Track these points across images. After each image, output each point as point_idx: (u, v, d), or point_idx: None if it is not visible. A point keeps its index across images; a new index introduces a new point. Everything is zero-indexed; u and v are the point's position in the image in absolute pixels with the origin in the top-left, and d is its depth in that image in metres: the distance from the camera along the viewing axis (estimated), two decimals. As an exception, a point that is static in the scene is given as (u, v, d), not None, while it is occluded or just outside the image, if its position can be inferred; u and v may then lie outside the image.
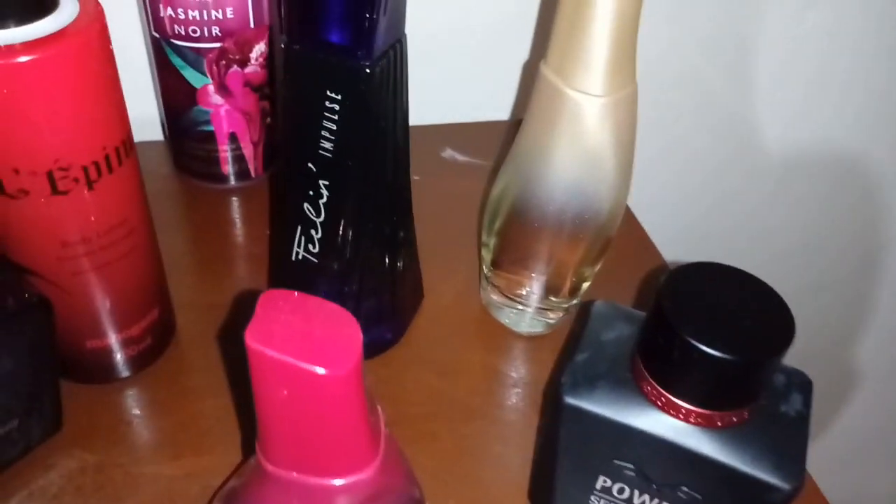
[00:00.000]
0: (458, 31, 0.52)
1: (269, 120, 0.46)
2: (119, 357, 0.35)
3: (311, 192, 0.32)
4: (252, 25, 0.41)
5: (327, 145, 0.30)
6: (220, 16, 0.40)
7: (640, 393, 0.26)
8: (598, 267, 0.37)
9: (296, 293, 0.22)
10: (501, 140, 0.53)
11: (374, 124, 0.30)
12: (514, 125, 0.55)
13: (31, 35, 0.26)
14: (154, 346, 0.36)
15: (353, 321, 0.21)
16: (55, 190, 0.28)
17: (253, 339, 0.20)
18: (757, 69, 0.60)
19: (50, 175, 0.28)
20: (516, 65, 0.56)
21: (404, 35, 0.30)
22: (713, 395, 0.25)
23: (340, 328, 0.21)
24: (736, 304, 0.25)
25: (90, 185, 0.29)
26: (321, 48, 0.28)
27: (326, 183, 0.31)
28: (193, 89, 0.42)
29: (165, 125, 0.47)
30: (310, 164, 0.31)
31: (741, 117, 0.63)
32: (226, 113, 0.43)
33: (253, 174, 0.47)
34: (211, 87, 0.42)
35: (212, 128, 0.44)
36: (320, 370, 0.19)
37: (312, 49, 0.28)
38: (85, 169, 0.28)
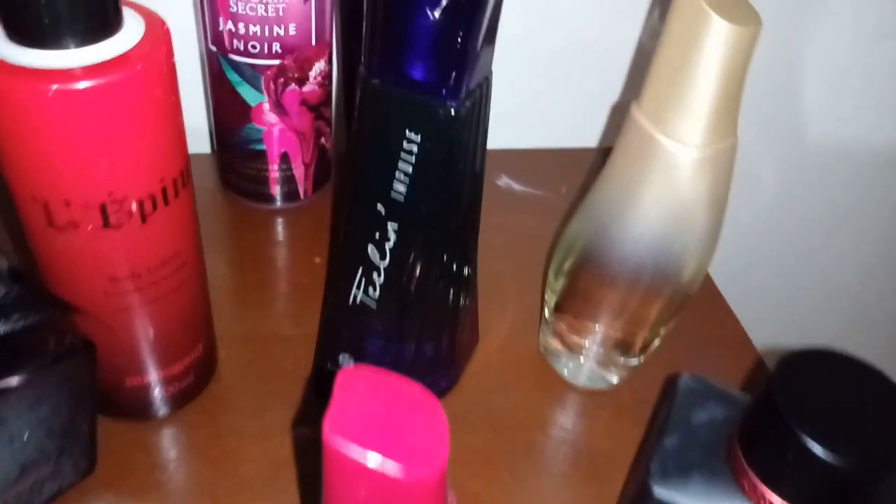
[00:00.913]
0: (518, 56, 0.50)
1: (322, 140, 0.44)
2: (159, 395, 0.32)
3: (376, 235, 0.29)
4: (314, 43, 0.39)
5: (401, 188, 0.28)
6: (281, 32, 0.37)
7: (739, 488, 0.24)
8: (670, 326, 0.35)
9: (377, 371, 0.19)
10: (560, 170, 0.50)
11: (453, 168, 0.27)
12: (573, 154, 0.52)
13: (93, 58, 0.24)
14: (196, 383, 0.34)
15: (439, 408, 0.19)
16: (107, 223, 0.26)
17: (332, 431, 0.17)
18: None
19: (103, 208, 0.26)
20: (577, 92, 0.53)
21: (491, 72, 0.27)
22: (824, 501, 0.22)
23: (427, 417, 0.19)
24: (857, 399, 0.22)
25: (144, 218, 0.27)
26: (403, 84, 0.26)
27: (395, 227, 0.29)
28: (248, 106, 0.40)
29: (214, 139, 0.45)
30: (379, 206, 0.28)
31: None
32: (279, 132, 0.41)
33: (302, 196, 0.45)
34: (266, 105, 0.40)
35: (263, 147, 0.42)
36: (407, 475, 0.17)
37: (393, 84, 0.26)
38: (140, 202, 0.26)
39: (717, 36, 0.26)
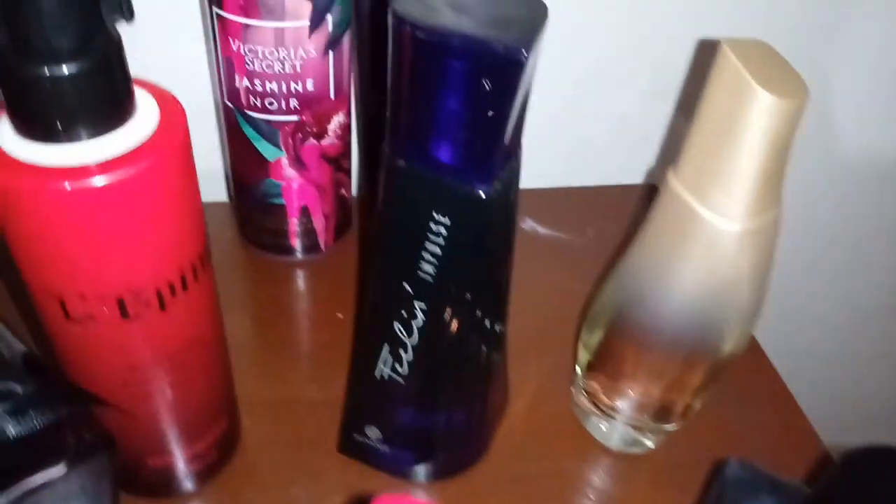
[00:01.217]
0: (542, 93, 0.48)
1: (342, 191, 0.43)
2: (181, 472, 0.31)
3: (403, 313, 0.28)
4: (332, 97, 0.38)
5: (429, 268, 0.26)
6: (299, 88, 0.36)
7: None
8: (708, 394, 0.33)
9: (408, 499, 0.18)
10: (584, 210, 0.49)
11: (484, 249, 0.26)
12: (599, 192, 0.51)
13: (107, 152, 0.22)
14: (219, 458, 0.33)
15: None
16: (125, 314, 0.25)
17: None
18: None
19: (120, 301, 0.25)
20: (600, 130, 0.52)
21: (521, 149, 0.26)
22: None
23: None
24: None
25: (163, 306, 0.26)
26: (431, 166, 0.24)
27: (423, 307, 0.27)
28: (266, 162, 0.39)
29: (231, 191, 0.44)
30: (405, 285, 0.27)
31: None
32: (299, 186, 0.40)
33: (322, 248, 0.43)
34: (285, 160, 0.39)
35: (283, 201, 0.41)
36: None
37: (420, 166, 0.25)
38: (158, 292, 0.25)
39: (763, 110, 0.24)
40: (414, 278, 0.27)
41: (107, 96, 0.23)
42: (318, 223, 0.42)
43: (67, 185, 0.22)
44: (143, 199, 0.23)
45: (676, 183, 0.28)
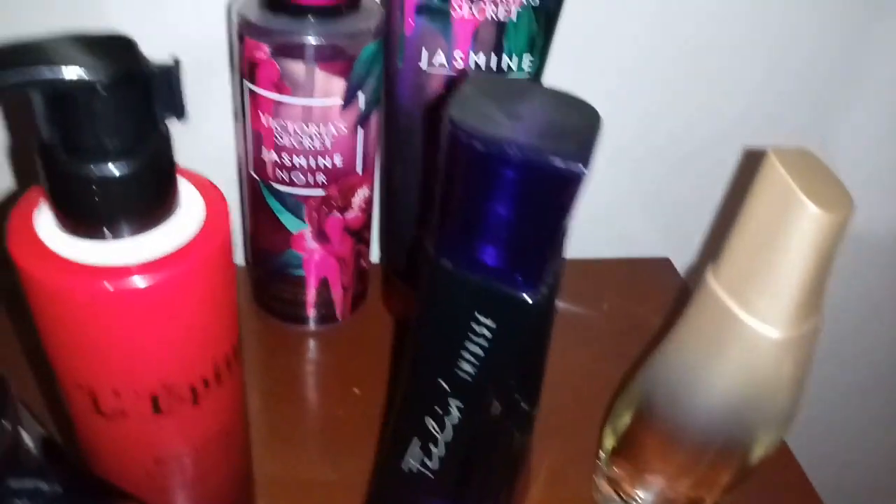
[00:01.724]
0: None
1: (361, 262, 0.42)
2: (196, 562, 0.30)
3: (437, 409, 0.27)
4: (359, 172, 0.37)
5: (468, 368, 0.26)
6: (327, 164, 0.36)
7: None
8: (734, 491, 0.33)
9: None
10: (596, 282, 0.49)
11: (527, 350, 0.26)
12: (621, 264, 0.51)
13: (151, 251, 0.22)
14: (234, 546, 0.32)
15: None
16: (157, 410, 0.24)
17: None
18: None
19: (154, 398, 0.24)
20: (607, 199, 0.52)
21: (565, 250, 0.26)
22: None
23: None
24: None
25: (196, 400, 0.25)
26: (476, 268, 0.24)
27: (459, 405, 0.27)
28: (289, 234, 0.39)
29: (248, 256, 0.44)
30: (441, 382, 0.27)
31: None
32: (320, 258, 0.40)
33: (339, 318, 0.43)
34: (308, 233, 0.38)
35: (302, 273, 0.40)
36: None
37: (465, 268, 0.24)
38: (192, 387, 0.25)
39: (811, 223, 0.24)
40: (451, 376, 0.26)
41: (154, 194, 0.22)
42: (337, 295, 0.42)
43: (108, 286, 0.21)
44: (184, 298, 0.23)
45: (716, 284, 0.28)
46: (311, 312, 0.42)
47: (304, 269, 0.40)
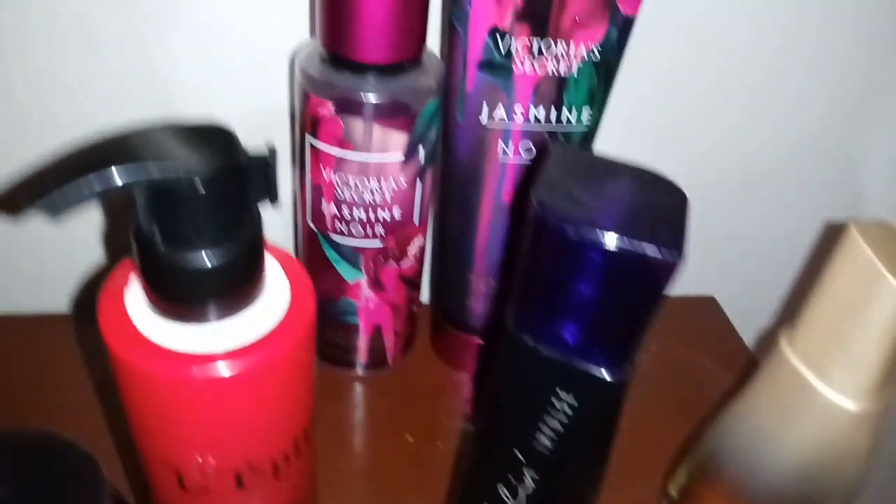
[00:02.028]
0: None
1: (413, 308, 0.42)
2: None
3: (510, 477, 0.27)
4: (416, 223, 0.38)
5: (546, 442, 0.26)
6: (386, 216, 0.36)
7: None
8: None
9: None
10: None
11: (609, 428, 0.26)
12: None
13: (237, 337, 0.22)
14: None
15: None
16: (240, 485, 0.24)
17: None
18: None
19: (238, 475, 0.24)
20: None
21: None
22: None
23: None
24: None
25: (276, 475, 0.25)
26: (558, 345, 0.24)
27: (534, 475, 0.27)
28: (344, 283, 0.39)
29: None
30: (517, 452, 0.27)
31: None
32: (374, 306, 0.40)
33: (390, 363, 0.43)
34: (364, 282, 0.39)
35: (357, 320, 0.40)
36: None
37: (549, 345, 0.24)
38: (274, 464, 0.25)
39: (891, 298, 0.24)
40: (528, 448, 0.26)
41: (243, 280, 0.22)
42: (389, 341, 0.42)
43: (196, 372, 0.21)
44: (269, 384, 0.23)
45: (791, 352, 0.28)
46: (363, 358, 0.42)
47: (359, 316, 0.40)
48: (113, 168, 0.18)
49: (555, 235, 0.22)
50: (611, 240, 0.21)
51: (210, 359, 0.22)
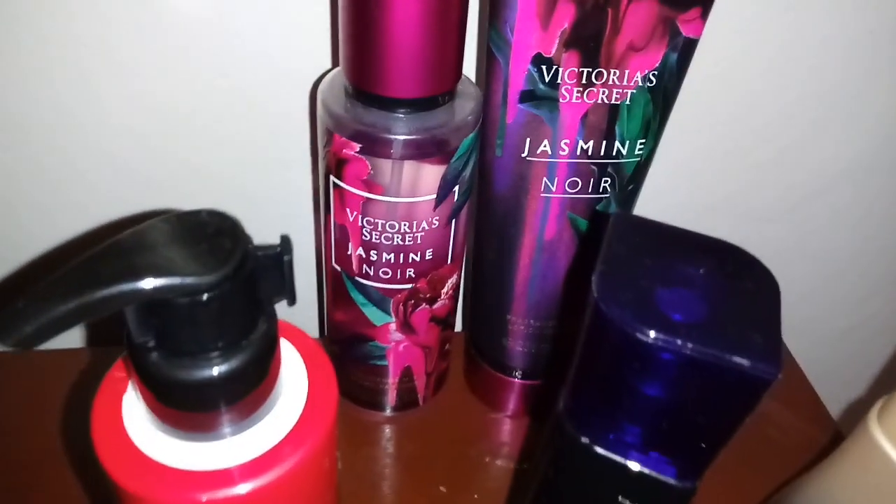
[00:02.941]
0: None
1: (446, 346, 0.39)
2: None
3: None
4: (449, 263, 0.34)
5: (604, 548, 0.23)
6: (417, 258, 0.33)
7: None
8: None
9: None
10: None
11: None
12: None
13: (250, 447, 0.19)
14: None
15: None
16: None
17: None
18: None
19: None
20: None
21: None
22: None
23: None
24: None
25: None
26: (621, 450, 0.21)
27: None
28: (373, 326, 0.36)
29: (326, 334, 0.41)
30: (570, 554, 0.24)
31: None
32: (404, 349, 0.37)
33: (421, 403, 0.40)
34: (393, 326, 0.35)
35: (386, 363, 0.37)
36: None
37: (609, 447, 0.21)
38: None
39: None
40: (583, 551, 0.23)
41: (255, 388, 0.19)
42: (420, 382, 0.39)
43: (204, 498, 0.19)
44: (288, 494, 0.20)
45: (881, 433, 0.25)
46: (392, 400, 0.39)
47: (388, 359, 0.37)
48: (99, 293, 0.15)
49: (622, 338, 0.18)
50: (692, 348, 0.18)
51: (220, 477, 0.19)
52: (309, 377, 0.21)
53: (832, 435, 0.41)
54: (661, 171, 0.37)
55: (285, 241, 0.18)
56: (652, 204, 0.41)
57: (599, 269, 0.19)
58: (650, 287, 0.19)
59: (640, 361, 0.19)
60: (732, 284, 0.20)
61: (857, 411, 0.27)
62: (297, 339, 0.22)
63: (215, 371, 0.18)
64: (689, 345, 0.18)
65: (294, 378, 0.21)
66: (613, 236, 0.21)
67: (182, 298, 0.16)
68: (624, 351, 0.19)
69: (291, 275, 0.18)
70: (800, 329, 0.50)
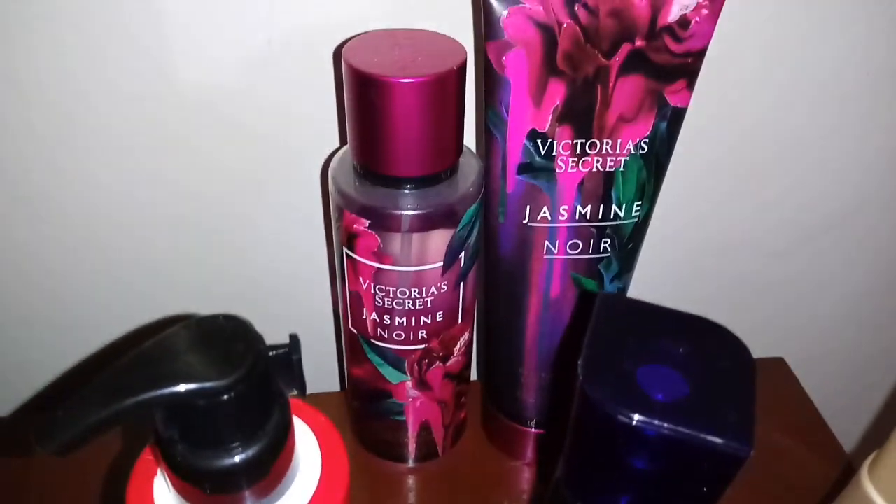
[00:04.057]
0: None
1: (462, 399, 0.41)
2: None
3: None
4: (460, 322, 0.36)
5: None
6: (428, 321, 0.35)
7: None
8: None
9: None
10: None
11: None
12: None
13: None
14: None
15: None
16: None
17: None
18: None
19: None
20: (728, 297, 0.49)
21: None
22: None
23: None
24: None
25: None
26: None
27: None
28: (390, 384, 0.37)
29: (347, 388, 0.43)
30: None
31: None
32: (421, 404, 0.38)
33: (440, 454, 0.42)
34: (409, 384, 0.37)
35: (404, 418, 0.39)
36: None
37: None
38: None
39: None
40: None
41: (273, 470, 0.21)
42: (438, 434, 0.40)
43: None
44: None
45: (871, 487, 0.26)
46: (413, 452, 0.41)
47: (406, 415, 0.39)
48: (128, 402, 0.17)
49: (606, 419, 0.20)
50: (670, 428, 0.19)
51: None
52: (321, 451, 0.23)
53: (845, 471, 0.42)
54: (669, 213, 0.38)
55: (294, 340, 0.20)
56: (661, 246, 0.42)
57: (585, 354, 0.21)
58: (633, 367, 0.21)
59: (624, 438, 0.20)
60: (710, 362, 0.21)
61: (872, 447, 0.28)
62: (309, 416, 0.24)
63: (236, 459, 0.20)
64: (667, 425, 0.19)
65: (308, 453, 0.23)
66: (599, 318, 0.22)
67: (202, 400, 0.18)
68: (609, 429, 0.20)
69: (301, 371, 0.20)
70: (814, 363, 0.50)
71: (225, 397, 0.18)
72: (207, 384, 0.18)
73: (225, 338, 0.19)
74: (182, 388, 0.18)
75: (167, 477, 0.21)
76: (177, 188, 0.39)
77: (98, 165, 0.38)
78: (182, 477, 0.20)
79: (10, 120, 0.36)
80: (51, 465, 0.38)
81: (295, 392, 0.21)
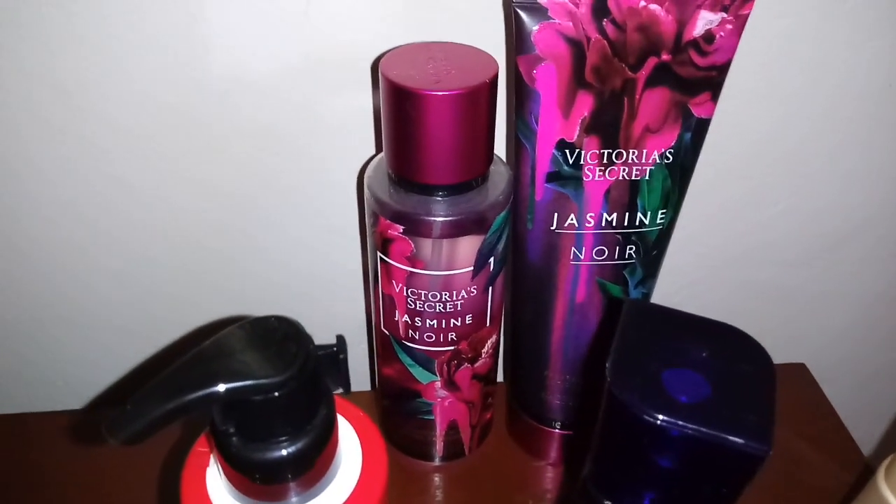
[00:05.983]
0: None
1: (489, 400, 0.42)
2: None
3: None
4: (488, 325, 0.37)
5: None
6: (458, 323, 0.36)
7: None
8: None
9: None
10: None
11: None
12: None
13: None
14: None
15: None
16: None
17: None
18: None
19: None
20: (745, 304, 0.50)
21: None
22: None
23: None
24: None
25: None
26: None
27: None
28: (419, 384, 0.39)
29: (377, 387, 0.44)
30: None
31: None
32: (449, 404, 0.40)
33: (467, 453, 0.43)
34: (438, 384, 0.38)
35: (432, 417, 0.40)
36: None
37: (630, 511, 0.23)
38: None
39: None
40: None
41: (318, 463, 0.22)
42: (465, 434, 0.42)
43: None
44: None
45: (888, 490, 0.27)
46: (440, 451, 0.42)
47: (434, 414, 0.40)
48: (189, 397, 0.18)
49: (633, 419, 0.21)
50: (694, 428, 0.20)
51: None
52: (362, 447, 0.24)
53: (864, 475, 0.42)
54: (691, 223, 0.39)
55: (340, 340, 0.21)
56: (679, 255, 0.43)
57: (612, 358, 0.22)
58: (658, 370, 0.22)
59: (650, 438, 0.21)
60: (733, 366, 0.22)
61: (891, 452, 0.28)
62: (351, 413, 0.25)
63: (285, 452, 0.21)
64: (691, 425, 0.20)
65: (350, 448, 0.24)
66: (626, 323, 0.23)
67: (256, 396, 0.20)
68: (635, 429, 0.21)
69: (346, 369, 0.22)
70: (833, 370, 0.51)
71: (277, 394, 0.20)
72: (263, 381, 0.19)
73: (277, 338, 0.20)
74: (239, 384, 0.19)
75: (220, 466, 0.22)
76: (217, 194, 0.41)
77: (170, 182, 0.40)
78: (234, 466, 0.22)
79: (65, 128, 0.37)
80: (116, 453, 0.40)
81: (340, 390, 0.22)
